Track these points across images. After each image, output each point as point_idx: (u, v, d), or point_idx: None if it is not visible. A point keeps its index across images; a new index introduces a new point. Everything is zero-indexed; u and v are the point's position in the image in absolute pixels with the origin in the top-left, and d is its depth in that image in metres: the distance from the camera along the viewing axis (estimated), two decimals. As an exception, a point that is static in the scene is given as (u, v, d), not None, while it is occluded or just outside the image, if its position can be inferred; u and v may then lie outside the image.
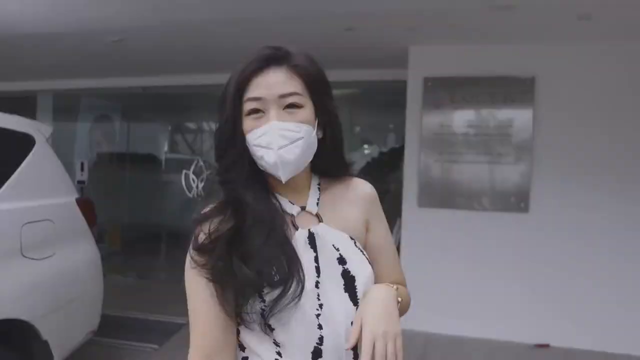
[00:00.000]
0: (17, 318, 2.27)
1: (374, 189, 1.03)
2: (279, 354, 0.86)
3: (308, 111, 0.89)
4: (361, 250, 0.95)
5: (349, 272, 0.90)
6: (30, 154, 2.56)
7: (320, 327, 0.86)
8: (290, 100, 0.86)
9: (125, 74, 5.24)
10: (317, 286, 0.87)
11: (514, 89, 3.74)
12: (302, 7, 3.09)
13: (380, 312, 0.83)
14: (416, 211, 3.97)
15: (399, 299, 0.89)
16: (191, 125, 6.99)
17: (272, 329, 0.85)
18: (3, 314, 2.18)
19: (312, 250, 0.89)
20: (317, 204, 0.95)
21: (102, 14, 3.30)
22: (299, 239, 0.90)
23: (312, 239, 0.90)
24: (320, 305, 0.86)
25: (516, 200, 3.79)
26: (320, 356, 0.86)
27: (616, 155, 3.62)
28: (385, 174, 4.57)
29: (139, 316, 4.11)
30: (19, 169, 2.45)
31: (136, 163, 6.48)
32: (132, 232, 6.64)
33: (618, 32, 3.41)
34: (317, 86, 0.91)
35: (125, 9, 3.23)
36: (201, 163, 5.25)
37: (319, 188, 0.97)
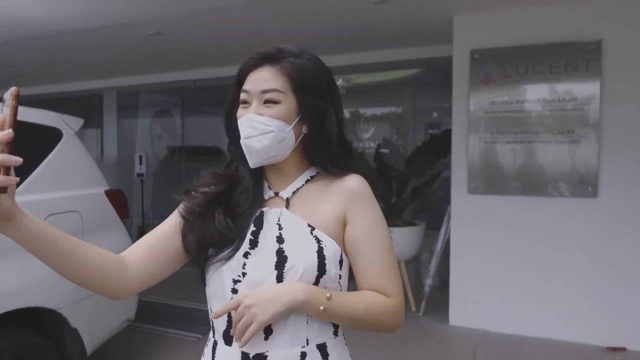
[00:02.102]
0: (43, 306, 2.34)
1: (363, 185, 1.01)
2: (210, 309, 1.01)
3: (285, 108, 0.96)
4: (318, 240, 0.95)
5: (283, 251, 0.94)
6: (57, 147, 2.63)
7: (234, 291, 0.95)
8: (269, 96, 0.95)
9: (177, 68, 5.37)
10: (245, 256, 0.95)
11: (577, 56, 3.26)
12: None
13: (263, 295, 0.89)
14: (466, 198, 3.64)
15: (321, 308, 0.90)
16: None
17: (206, 283, 1.01)
18: (28, 302, 2.26)
19: (253, 225, 0.98)
20: (295, 192, 1.01)
21: (135, 7, 3.34)
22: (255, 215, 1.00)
23: (260, 217, 0.99)
24: (243, 274, 0.94)
25: (583, 184, 3.32)
26: (231, 316, 0.93)
27: None
28: (435, 158, 4.24)
29: (188, 305, 4.18)
30: (44, 162, 2.52)
31: (200, 155, 6.66)
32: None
33: None
34: (302, 87, 0.97)
35: (156, 2, 3.24)
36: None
37: (308, 179, 1.03)
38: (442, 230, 4.12)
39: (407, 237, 3.99)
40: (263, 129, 0.94)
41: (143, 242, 0.99)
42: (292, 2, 3.21)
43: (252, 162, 0.98)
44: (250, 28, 3.83)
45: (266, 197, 1.02)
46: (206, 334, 3.85)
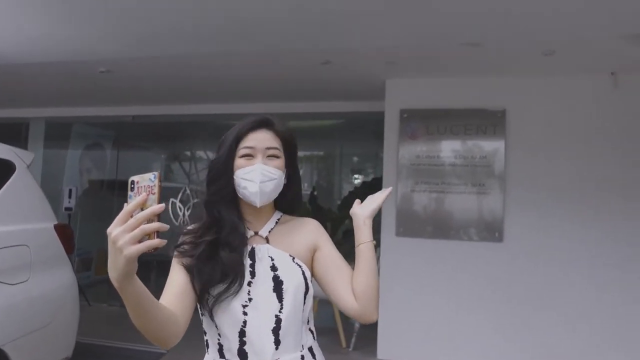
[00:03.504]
0: (-13, 342, 2.31)
1: (319, 223, 1.35)
2: (219, 334, 1.18)
3: (281, 162, 1.25)
4: (299, 265, 1.23)
5: (279, 277, 1.19)
6: (10, 180, 2.65)
7: (245, 314, 1.15)
8: (272, 152, 1.23)
9: (116, 103, 5.39)
10: (249, 285, 1.18)
11: (486, 121, 3.87)
12: (277, 42, 3.23)
13: (367, 210, 1.30)
14: (394, 241, 4.03)
15: (374, 241, 1.27)
16: (184, 154, 7.08)
17: (212, 315, 1.16)
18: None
19: (249, 259, 1.20)
20: (270, 231, 1.27)
21: (90, 47, 3.45)
22: (246, 251, 1.22)
23: (252, 252, 1.22)
24: (250, 299, 1.16)
25: (490, 230, 3.86)
26: (245, 335, 1.16)
27: (585, 183, 3.71)
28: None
29: (119, 345, 4.10)
30: (-3, 195, 2.53)
31: (127, 190, 6.53)
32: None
33: (582, 66, 3.57)
34: (289, 147, 1.29)
35: (110, 43, 3.38)
36: (188, 191, 5.32)
37: (277, 221, 1.30)
38: (371, 269, 4.46)
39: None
40: (271, 176, 1.21)
41: (173, 296, 1.11)
42: (246, 56, 3.51)
43: (260, 202, 1.21)
44: (203, 73, 4.05)
45: (247, 235, 1.24)
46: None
